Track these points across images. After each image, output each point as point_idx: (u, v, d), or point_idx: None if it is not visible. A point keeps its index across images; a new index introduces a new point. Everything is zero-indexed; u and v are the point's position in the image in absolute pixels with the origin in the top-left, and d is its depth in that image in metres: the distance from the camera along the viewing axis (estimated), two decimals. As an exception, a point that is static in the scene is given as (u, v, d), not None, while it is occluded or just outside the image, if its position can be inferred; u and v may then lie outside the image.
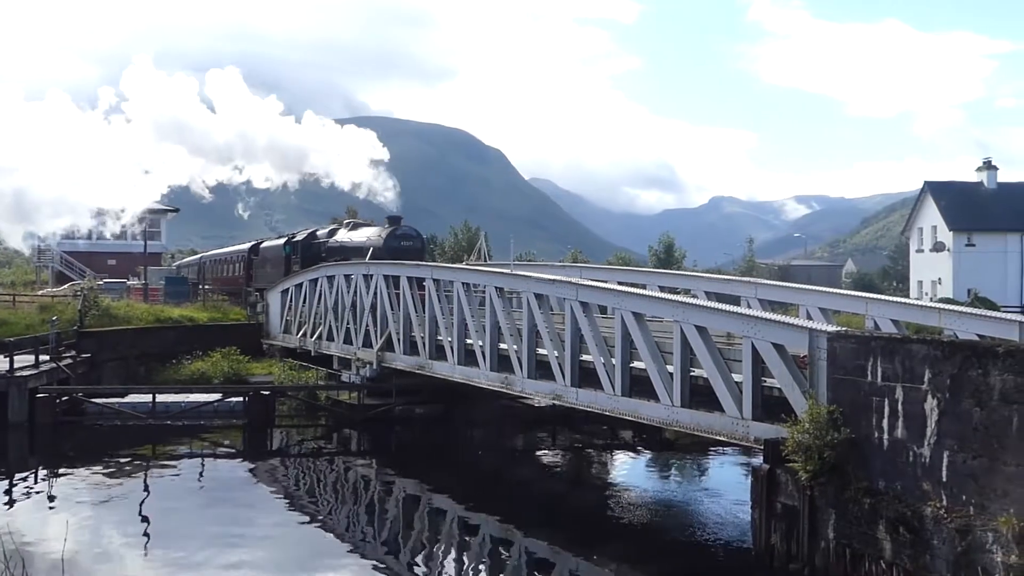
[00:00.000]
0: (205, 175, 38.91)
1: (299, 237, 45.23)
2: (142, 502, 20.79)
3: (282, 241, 47.48)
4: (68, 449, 26.75)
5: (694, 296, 24.54)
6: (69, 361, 31.70)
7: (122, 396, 30.29)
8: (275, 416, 30.49)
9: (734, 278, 31.88)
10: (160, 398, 29.50)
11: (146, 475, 23.74)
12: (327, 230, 44.91)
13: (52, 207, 32.11)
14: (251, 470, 25.05)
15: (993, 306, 38.24)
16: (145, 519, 19.13)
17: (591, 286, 20.90)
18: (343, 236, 42.00)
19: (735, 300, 24.05)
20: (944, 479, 12.29)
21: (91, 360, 33.39)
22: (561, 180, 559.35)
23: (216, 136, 37.33)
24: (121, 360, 34.75)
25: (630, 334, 18.57)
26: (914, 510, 12.46)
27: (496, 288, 23.26)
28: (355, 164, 41.02)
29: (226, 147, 37.98)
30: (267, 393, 30.67)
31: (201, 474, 23.78)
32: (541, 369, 21.89)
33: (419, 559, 17.14)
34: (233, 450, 27.91)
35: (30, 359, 29.23)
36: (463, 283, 24.88)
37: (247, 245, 55.10)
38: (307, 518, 19.76)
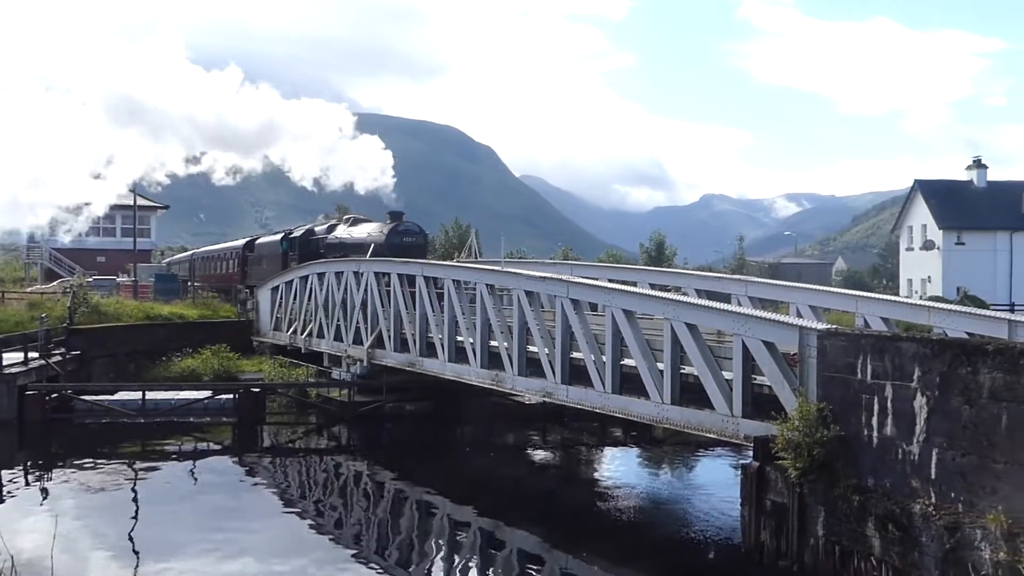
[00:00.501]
0: (171, 163, 38.05)
1: (296, 233, 44.41)
2: (131, 499, 20.77)
3: (278, 237, 46.59)
4: (57, 447, 26.67)
5: (685, 294, 24.59)
6: (58, 358, 31.61)
7: (111, 393, 30.20)
8: (265, 413, 30.43)
9: (725, 276, 31.97)
10: (150, 395, 29.41)
11: (135, 472, 23.70)
12: (325, 226, 44.00)
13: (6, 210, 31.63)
14: (241, 467, 25.02)
15: (982, 304, 38.39)
16: (134, 517, 19.08)
17: (582, 283, 20.91)
18: (342, 232, 41.06)
19: (726, 298, 24.10)
20: (933, 476, 12.33)
21: (80, 357, 33.31)
22: (552, 177, 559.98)
23: (192, 121, 36.78)
24: (111, 357, 34.66)
25: (621, 332, 18.59)
26: (903, 507, 12.50)
27: (487, 285, 23.25)
28: (361, 166, 40.84)
29: (199, 131, 37.41)
30: (257, 390, 30.60)
31: (191, 471, 23.73)
32: (531, 366, 21.89)
33: (409, 556, 17.13)
34: (223, 447, 27.86)
35: (19, 356, 29.13)
36: (454, 280, 24.88)
37: (241, 241, 54.51)
38: (297, 515, 19.75)
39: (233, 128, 38.12)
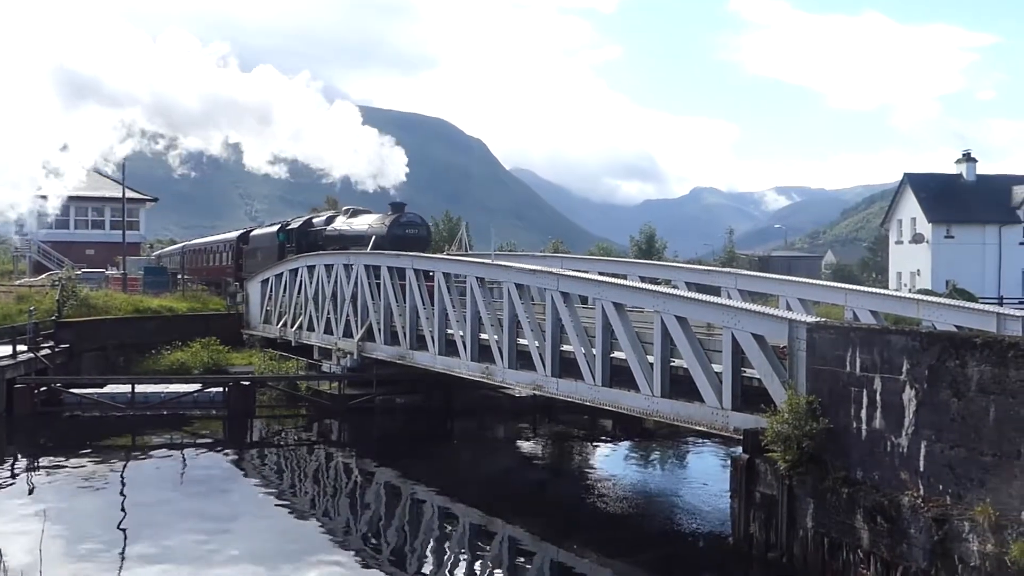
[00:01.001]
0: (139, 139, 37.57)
1: (294, 225, 43.51)
2: (121, 493, 20.73)
3: (275, 229, 45.53)
4: (46, 440, 26.62)
5: (675, 287, 24.59)
6: (47, 351, 31.46)
7: (101, 386, 30.09)
8: (255, 406, 30.36)
9: (714, 269, 31.99)
10: (139, 388, 29.32)
11: (125, 466, 23.65)
12: (324, 217, 43.06)
13: None
14: (231, 461, 24.98)
15: (971, 297, 38.45)
16: (124, 510, 19.06)
17: (572, 276, 20.91)
18: (341, 224, 39.99)
19: (715, 291, 24.10)
20: (921, 469, 12.38)
21: (69, 350, 33.18)
22: (542, 170, 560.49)
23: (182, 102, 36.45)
24: (100, 350, 34.56)
25: (611, 324, 18.60)
26: (891, 499, 12.55)
27: (477, 278, 23.24)
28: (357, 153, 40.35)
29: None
30: (247, 383, 30.54)
31: (180, 465, 23.68)
32: (522, 359, 21.89)
33: (399, 549, 17.12)
34: (213, 441, 27.81)
35: (8, 349, 29.00)
36: (444, 273, 24.85)
37: (236, 233, 53.46)
38: (288, 509, 19.75)
39: (230, 103, 37.92)
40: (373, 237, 35.71)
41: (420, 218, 38.15)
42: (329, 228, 40.41)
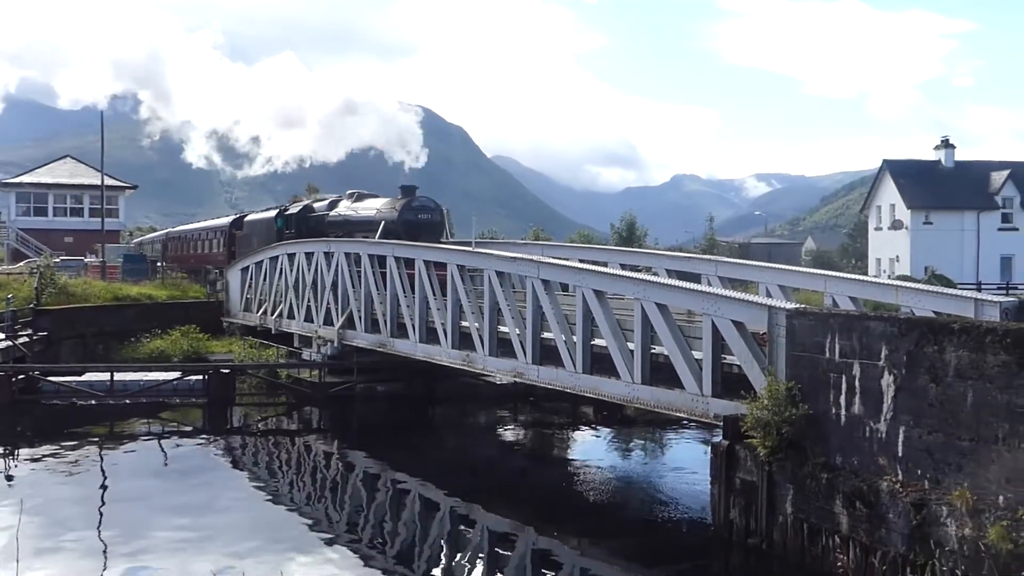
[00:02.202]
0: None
1: (293, 210, 41.19)
2: (99, 481, 20.61)
3: (272, 214, 43.29)
4: (24, 428, 26.40)
5: (655, 274, 24.61)
6: (25, 339, 31.23)
7: (79, 374, 29.88)
8: (235, 394, 30.24)
9: (695, 256, 32.04)
10: (118, 376, 29.14)
11: (104, 454, 23.52)
12: (326, 202, 40.34)
13: None
14: (211, 449, 24.88)
15: (950, 283, 38.71)
16: (102, 499, 18.95)
17: (553, 264, 20.89)
18: (346, 209, 37.60)
19: (696, 278, 24.14)
20: (900, 454, 12.45)
21: (48, 338, 32.97)
22: (524, 158, 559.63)
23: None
24: (78, 338, 34.37)
25: (591, 312, 18.60)
26: (870, 485, 12.62)
27: (458, 266, 23.19)
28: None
29: None
30: (227, 371, 30.41)
31: (161, 453, 23.56)
32: (503, 346, 21.89)
33: (380, 536, 17.12)
34: (192, 429, 27.68)
35: (-16, 338, 28.78)
36: (425, 261, 24.79)
37: (228, 219, 51.66)
38: (268, 497, 19.69)
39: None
40: (383, 223, 33.41)
41: (433, 202, 35.39)
42: (332, 213, 38.28)
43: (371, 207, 36.03)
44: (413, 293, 25.21)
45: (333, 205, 38.95)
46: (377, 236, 31.79)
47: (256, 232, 43.58)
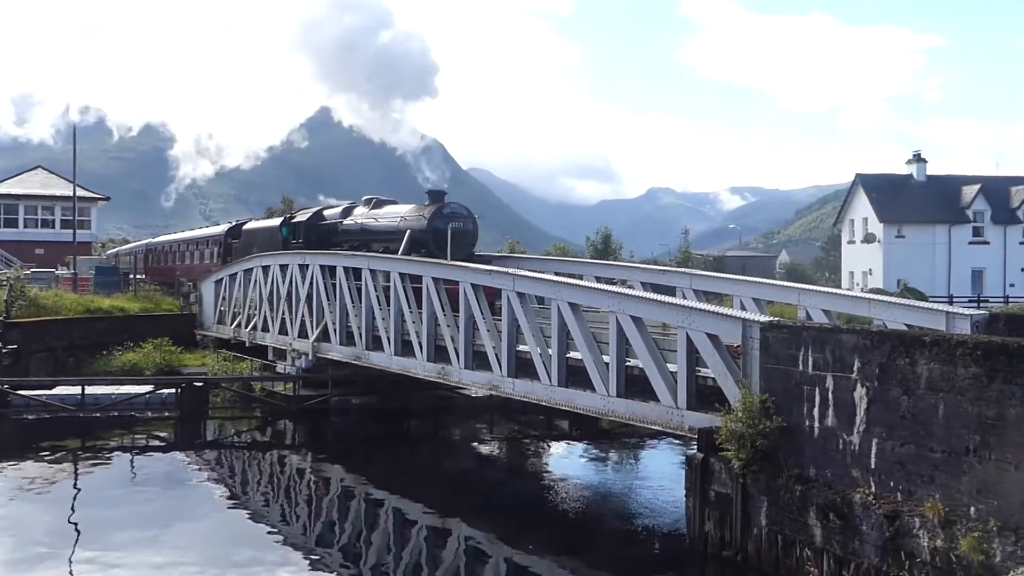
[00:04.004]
0: None
1: (301, 217, 38.43)
2: (70, 496, 20.38)
3: (276, 222, 40.76)
4: (-7, 443, 26.08)
5: (630, 287, 24.67)
6: (-6, 353, 30.90)
7: (50, 388, 29.57)
8: (208, 408, 30.05)
9: (670, 269, 32.11)
10: (90, 390, 28.86)
11: (75, 469, 23.25)
12: (339, 209, 37.20)
13: None
14: (184, 463, 24.65)
15: (922, 296, 39.01)
16: (73, 514, 18.72)
17: (528, 276, 20.88)
18: (363, 216, 34.69)
19: (671, 291, 24.22)
20: (873, 466, 12.52)
21: (17, 351, 32.55)
22: (499, 170, 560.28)
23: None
24: (49, 351, 33.98)
25: (566, 324, 18.62)
26: (843, 497, 12.68)
27: (433, 279, 23.14)
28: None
29: None
30: (200, 384, 30.20)
31: (132, 467, 23.34)
32: (478, 359, 21.85)
33: (354, 551, 17.01)
34: (165, 443, 27.43)
35: (-47, 351, 28.44)
36: (400, 273, 24.73)
37: (223, 227, 49.21)
38: (241, 511, 19.54)
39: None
40: (408, 232, 30.26)
41: (466, 209, 31.82)
42: (347, 222, 35.38)
43: (393, 214, 33.14)
44: (388, 306, 25.13)
45: (347, 212, 36.24)
46: (402, 247, 29.76)
47: (257, 242, 41.14)
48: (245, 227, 45.34)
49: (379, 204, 35.08)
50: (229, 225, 49.21)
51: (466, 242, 30.57)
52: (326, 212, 37.83)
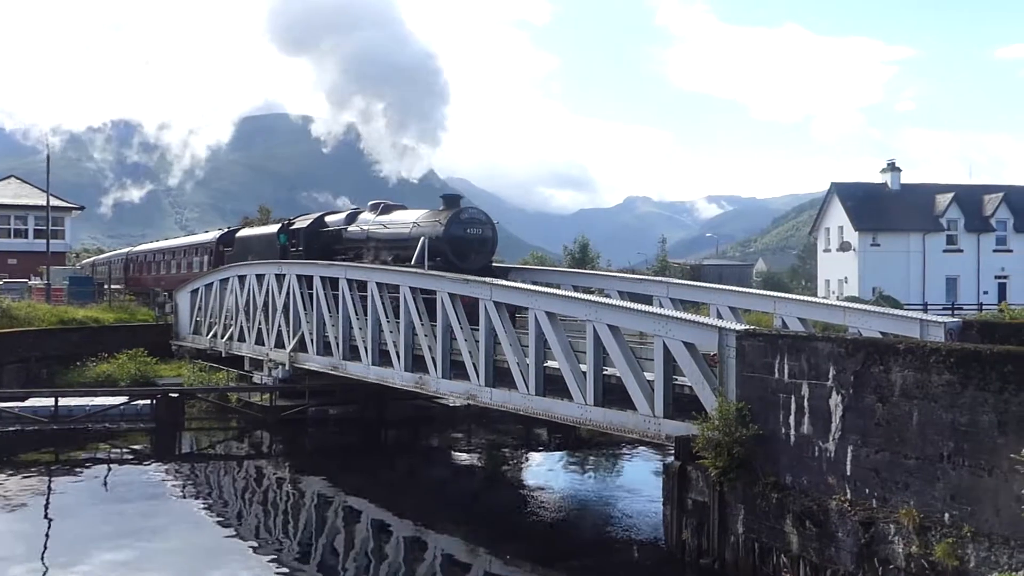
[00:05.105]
0: None
1: (301, 224, 36.33)
2: (43, 510, 20.16)
3: (274, 229, 38.96)
4: (-35, 456, 25.77)
5: (608, 295, 24.72)
6: (-34, 365, 30.59)
7: (22, 400, 29.25)
8: (184, 419, 29.84)
9: (647, 278, 32.17)
10: (63, 401, 28.59)
11: (49, 482, 22.99)
12: (343, 215, 35.54)
13: None
14: (159, 475, 24.43)
15: (897, 304, 39.39)
16: (47, 527, 18.53)
17: (505, 285, 20.89)
18: (370, 223, 32.68)
19: (648, 299, 24.30)
20: (848, 473, 12.58)
21: (-10, 363, 32.28)
22: (476, 179, 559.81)
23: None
24: (21, 363, 33.65)
25: (544, 334, 18.63)
26: (819, 504, 12.74)
27: (411, 288, 23.10)
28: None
29: None
30: (176, 395, 30.01)
31: (107, 480, 23.11)
32: (456, 369, 21.82)
33: (332, 562, 16.91)
34: (140, 455, 27.17)
35: (-76, 363, 28.13)
36: (377, 283, 24.67)
37: (213, 234, 47.96)
38: (218, 523, 19.38)
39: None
40: (422, 239, 28.11)
41: (484, 215, 30.27)
42: (352, 228, 33.54)
43: (404, 220, 31.21)
44: (366, 315, 25.06)
45: (352, 218, 34.46)
46: (416, 255, 27.84)
47: (252, 249, 39.11)
48: (239, 234, 43.69)
49: (387, 209, 33.29)
50: (220, 232, 48.25)
51: (486, 249, 29.42)
52: (328, 218, 36.22)
